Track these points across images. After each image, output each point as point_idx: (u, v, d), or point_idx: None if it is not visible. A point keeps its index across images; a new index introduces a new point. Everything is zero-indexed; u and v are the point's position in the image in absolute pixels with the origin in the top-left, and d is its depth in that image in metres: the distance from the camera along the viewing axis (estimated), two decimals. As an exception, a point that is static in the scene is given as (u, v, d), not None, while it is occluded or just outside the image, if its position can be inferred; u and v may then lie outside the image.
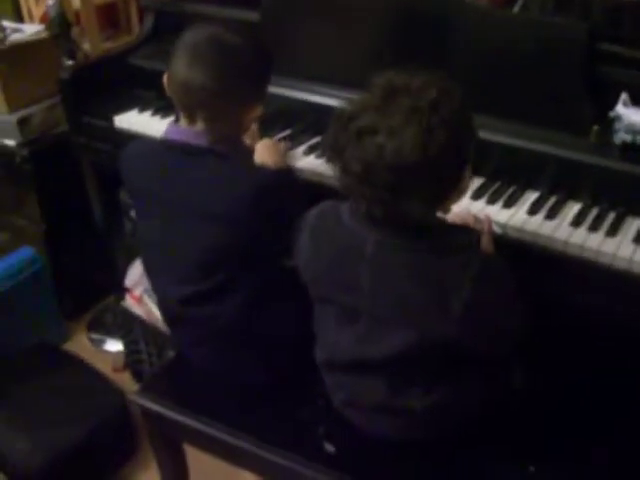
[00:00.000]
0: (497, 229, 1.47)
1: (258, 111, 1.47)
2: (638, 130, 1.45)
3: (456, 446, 1.37)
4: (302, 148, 1.76)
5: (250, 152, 1.59)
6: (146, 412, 1.56)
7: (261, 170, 1.49)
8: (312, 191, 1.57)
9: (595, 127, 1.52)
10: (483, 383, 1.36)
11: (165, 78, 1.44)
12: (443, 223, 1.31)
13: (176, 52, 1.39)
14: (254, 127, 1.68)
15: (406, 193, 1.13)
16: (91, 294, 2.60)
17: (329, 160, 1.21)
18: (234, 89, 1.40)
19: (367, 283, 1.23)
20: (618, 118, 1.48)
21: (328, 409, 1.44)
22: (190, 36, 1.40)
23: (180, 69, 1.37)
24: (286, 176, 1.52)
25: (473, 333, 1.23)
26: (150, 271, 1.58)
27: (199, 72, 1.35)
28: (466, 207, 1.52)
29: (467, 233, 1.28)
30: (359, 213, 1.23)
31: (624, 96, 1.48)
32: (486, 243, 1.41)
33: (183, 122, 1.43)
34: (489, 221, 1.46)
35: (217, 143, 1.41)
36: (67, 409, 1.99)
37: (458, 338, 1.22)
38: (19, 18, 2.79)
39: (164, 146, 1.45)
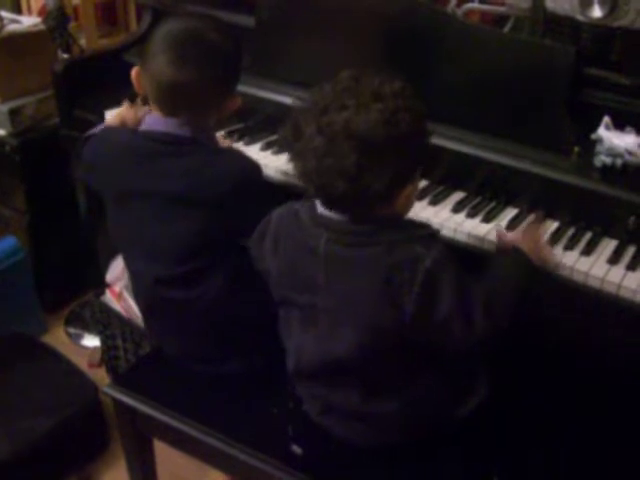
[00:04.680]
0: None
1: (238, 100, 1.52)
2: (618, 153, 1.48)
3: (426, 452, 1.38)
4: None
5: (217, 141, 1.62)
6: (118, 405, 1.56)
7: (243, 157, 1.52)
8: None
9: (577, 148, 1.55)
10: (448, 388, 1.37)
11: (134, 74, 1.46)
12: (398, 218, 1.29)
13: (154, 50, 1.40)
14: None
15: (366, 170, 1.14)
16: (72, 288, 2.60)
17: (287, 144, 1.24)
18: (217, 84, 1.44)
19: (322, 281, 1.25)
20: (599, 141, 1.51)
21: (298, 411, 1.45)
22: (167, 33, 1.41)
23: (164, 69, 1.38)
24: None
25: (425, 329, 1.23)
26: (127, 255, 1.59)
27: (187, 72, 1.37)
28: (460, 222, 1.53)
29: (423, 227, 1.29)
30: (314, 212, 1.26)
31: (606, 119, 1.51)
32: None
33: (159, 113, 1.44)
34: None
35: (200, 132, 1.45)
36: (39, 400, 1.99)
37: (410, 332, 1.22)
38: (18, 10, 2.81)
39: (144, 137, 1.46)
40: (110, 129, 1.61)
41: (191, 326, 1.55)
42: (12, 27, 2.26)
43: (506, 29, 1.67)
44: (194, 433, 1.46)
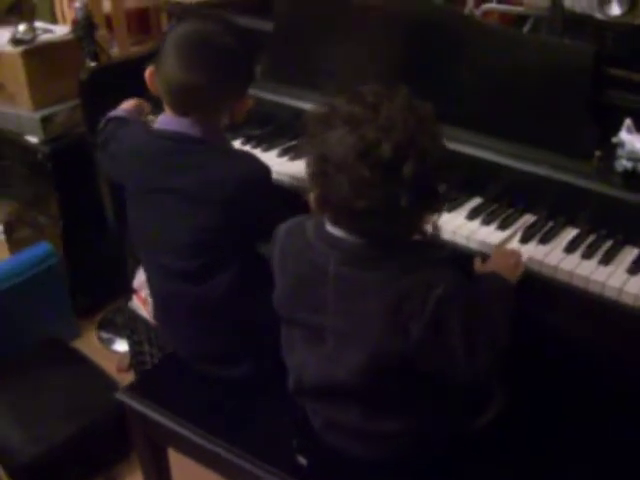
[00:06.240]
0: (487, 250, 1.45)
1: (249, 102, 1.52)
2: (640, 158, 1.41)
3: (434, 465, 1.35)
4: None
5: (228, 141, 1.65)
6: (131, 412, 1.57)
7: (253, 159, 1.52)
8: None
9: (598, 152, 1.49)
10: (451, 411, 1.34)
11: (148, 75, 1.48)
12: (411, 239, 1.26)
13: (166, 52, 1.42)
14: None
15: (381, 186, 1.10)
16: (105, 293, 2.63)
17: (306, 146, 1.19)
18: (227, 86, 1.45)
19: (331, 302, 1.22)
20: (621, 144, 1.44)
21: (305, 421, 1.43)
22: (178, 35, 1.43)
23: (174, 70, 1.41)
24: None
25: (429, 357, 1.20)
26: (142, 250, 1.61)
27: (195, 74, 1.39)
28: (474, 229, 1.49)
29: (436, 249, 1.26)
30: (322, 230, 1.23)
31: (628, 121, 1.44)
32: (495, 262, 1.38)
33: (172, 114, 1.47)
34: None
35: (209, 133, 1.46)
36: (66, 404, 2.02)
37: (414, 359, 1.19)
38: (54, 20, 2.87)
39: (161, 136, 1.48)
40: (126, 128, 1.62)
41: (202, 323, 1.56)
42: (45, 37, 2.31)
43: (525, 29, 1.62)
44: (199, 440, 1.45)
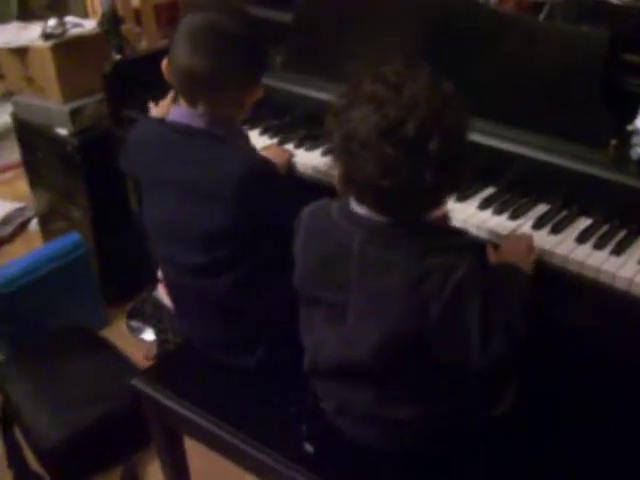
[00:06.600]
0: (497, 240, 1.43)
1: (259, 92, 1.51)
2: (655, 146, 1.38)
3: (443, 459, 1.34)
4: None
5: (245, 134, 1.63)
6: (145, 399, 1.60)
7: (255, 154, 1.52)
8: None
9: (614, 141, 1.45)
10: (466, 399, 1.33)
11: (164, 65, 1.49)
12: (434, 224, 1.29)
13: (176, 39, 1.43)
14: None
15: (406, 165, 1.10)
16: (135, 283, 2.66)
17: (331, 124, 1.19)
18: (234, 74, 1.44)
19: (355, 280, 1.23)
20: (636, 132, 1.41)
21: (316, 409, 1.43)
22: (188, 23, 1.44)
23: (181, 56, 1.41)
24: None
25: (446, 339, 1.20)
26: (155, 241, 1.61)
27: (200, 59, 1.39)
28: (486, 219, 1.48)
29: (460, 235, 1.26)
30: (348, 210, 1.24)
31: (643, 109, 1.41)
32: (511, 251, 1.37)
33: (184, 105, 1.48)
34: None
35: (215, 125, 1.45)
36: (89, 390, 2.06)
37: (431, 341, 1.20)
38: (85, 14, 2.92)
39: (168, 128, 1.49)
40: (138, 123, 1.65)
41: (213, 314, 1.57)
42: (74, 31, 2.35)
43: (541, 16, 1.59)
44: (210, 427, 1.47)
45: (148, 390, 1.58)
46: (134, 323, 2.61)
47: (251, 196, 1.42)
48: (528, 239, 1.39)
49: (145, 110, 2.00)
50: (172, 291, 1.67)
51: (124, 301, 2.68)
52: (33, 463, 2.04)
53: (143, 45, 2.44)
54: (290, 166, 1.73)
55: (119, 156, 1.64)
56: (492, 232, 1.44)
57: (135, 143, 1.58)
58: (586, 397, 1.44)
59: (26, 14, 3.29)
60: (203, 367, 1.62)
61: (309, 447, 1.40)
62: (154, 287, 2.25)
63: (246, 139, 1.59)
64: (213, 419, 1.48)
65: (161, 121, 1.57)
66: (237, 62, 1.43)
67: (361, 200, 1.21)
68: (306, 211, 1.34)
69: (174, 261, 1.56)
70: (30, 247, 2.81)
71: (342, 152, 1.17)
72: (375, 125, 1.11)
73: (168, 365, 1.70)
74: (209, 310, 1.57)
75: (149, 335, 2.53)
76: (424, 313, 1.17)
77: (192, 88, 1.44)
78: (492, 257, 1.40)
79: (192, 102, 1.45)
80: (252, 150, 1.55)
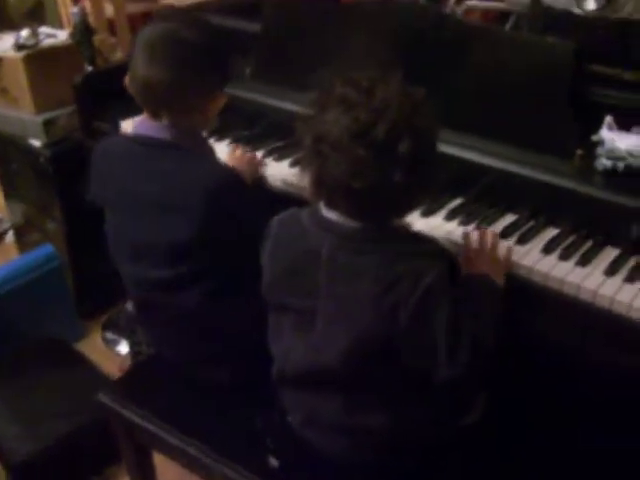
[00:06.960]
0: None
1: (222, 101, 1.49)
2: (619, 156, 1.38)
3: (413, 471, 1.33)
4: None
5: (209, 145, 1.61)
6: (113, 415, 1.58)
7: (221, 166, 1.51)
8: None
9: (580, 151, 1.45)
10: (436, 407, 1.32)
11: (126, 79, 1.47)
12: (406, 230, 1.29)
13: (133, 50, 1.42)
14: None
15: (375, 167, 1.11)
16: (111, 295, 2.64)
17: (301, 127, 1.19)
18: (193, 82, 1.42)
19: (323, 286, 1.22)
20: (601, 142, 1.41)
21: (283, 423, 1.42)
22: (146, 34, 1.42)
23: (139, 67, 1.40)
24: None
25: (414, 346, 1.19)
26: (116, 257, 1.59)
27: (157, 69, 1.38)
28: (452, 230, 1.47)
29: (430, 242, 1.27)
30: (318, 215, 1.24)
31: (608, 119, 1.41)
32: (483, 262, 1.37)
33: (147, 117, 1.46)
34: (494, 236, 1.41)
35: (180, 136, 1.44)
36: (62, 404, 2.05)
37: (400, 346, 1.19)
38: (62, 24, 2.91)
39: (133, 141, 1.48)
40: (112, 137, 1.63)
41: (178, 329, 1.55)
42: (48, 41, 2.34)
43: (507, 27, 1.59)
44: (175, 442, 1.46)
45: (115, 406, 1.56)
46: (109, 335, 2.58)
47: (218, 207, 1.40)
48: (502, 249, 1.39)
49: (115, 121, 2.00)
50: (139, 306, 1.65)
51: (99, 313, 2.65)
52: (2, 477, 2.02)
53: (118, 55, 2.42)
54: (260, 175, 1.71)
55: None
56: (458, 244, 1.43)
57: (101, 156, 1.55)
58: (555, 405, 1.45)
59: (4, 23, 3.27)
60: (171, 381, 1.61)
61: (274, 461, 1.39)
62: (128, 299, 2.24)
63: (211, 150, 1.58)
64: (180, 435, 1.46)
65: (125, 135, 1.55)
66: (197, 71, 1.42)
67: (332, 205, 1.21)
68: (275, 220, 1.34)
69: (139, 276, 1.54)
70: (6, 259, 2.79)
71: (313, 155, 1.17)
72: (346, 127, 1.12)
73: (136, 379, 1.68)
74: (173, 324, 1.55)
75: (125, 347, 2.51)
76: (394, 319, 1.17)
77: (152, 99, 1.43)
78: (465, 267, 1.39)
79: (154, 114, 1.44)
80: (218, 161, 1.53)
